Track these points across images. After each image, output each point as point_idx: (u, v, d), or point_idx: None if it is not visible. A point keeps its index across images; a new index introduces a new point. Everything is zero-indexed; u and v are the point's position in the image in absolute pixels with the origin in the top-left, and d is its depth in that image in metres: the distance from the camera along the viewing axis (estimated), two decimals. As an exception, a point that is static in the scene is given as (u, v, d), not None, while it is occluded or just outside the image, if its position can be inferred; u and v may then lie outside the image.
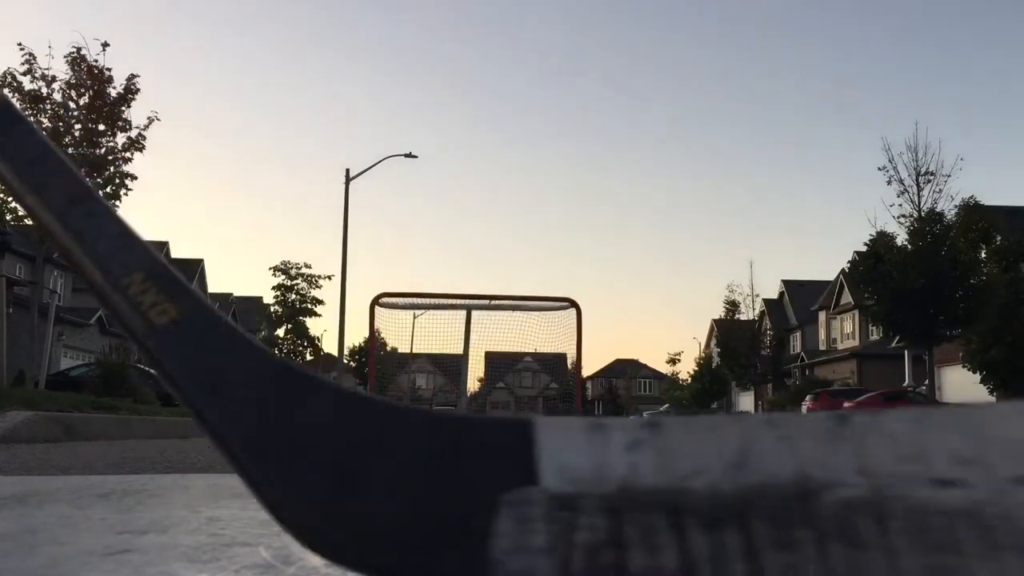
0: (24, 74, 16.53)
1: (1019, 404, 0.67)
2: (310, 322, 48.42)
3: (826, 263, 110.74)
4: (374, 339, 14.54)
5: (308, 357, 49.80)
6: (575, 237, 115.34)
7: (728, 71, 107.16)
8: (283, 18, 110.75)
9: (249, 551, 1.12)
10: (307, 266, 47.66)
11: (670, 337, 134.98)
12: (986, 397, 28.86)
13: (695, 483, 0.65)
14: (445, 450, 0.70)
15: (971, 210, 26.01)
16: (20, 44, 16.53)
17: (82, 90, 17.00)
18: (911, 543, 0.62)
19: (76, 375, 22.24)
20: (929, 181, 23.50)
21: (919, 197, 23.53)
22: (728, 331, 43.22)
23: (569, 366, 19.88)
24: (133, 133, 17.37)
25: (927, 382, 25.09)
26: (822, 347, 49.07)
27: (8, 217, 16.79)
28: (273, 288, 47.87)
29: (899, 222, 23.77)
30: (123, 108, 17.36)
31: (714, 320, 52.94)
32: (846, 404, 28.38)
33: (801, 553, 0.63)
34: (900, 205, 23.72)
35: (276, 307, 48.24)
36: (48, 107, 16.75)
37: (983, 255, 25.91)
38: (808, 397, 32.68)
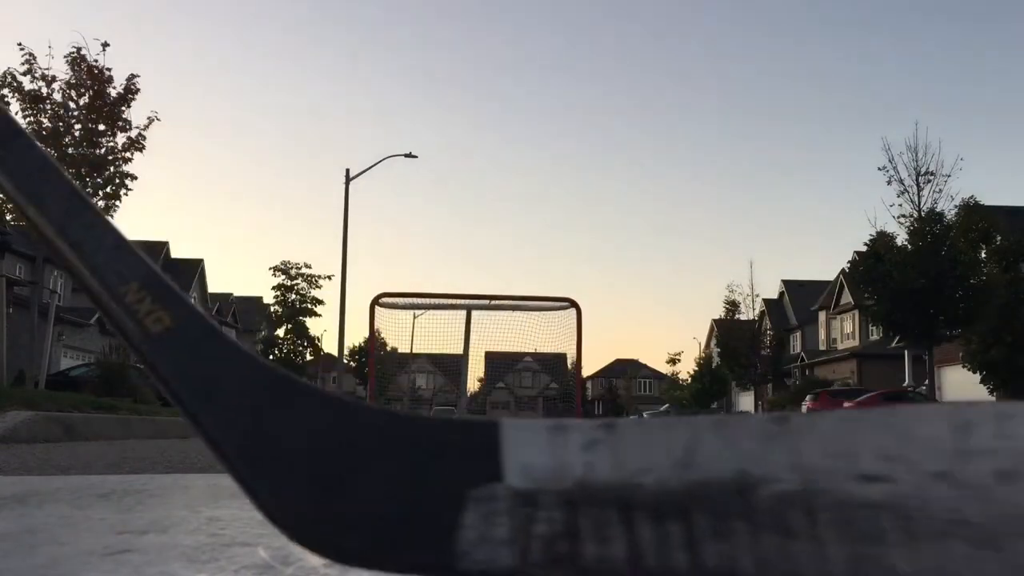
0: (24, 74, 16.54)
1: (940, 405, 0.73)
2: (310, 322, 48.40)
3: (826, 263, 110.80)
4: (374, 339, 14.54)
5: (308, 357, 49.78)
6: (575, 237, 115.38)
7: (728, 71, 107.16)
8: (283, 18, 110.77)
9: (248, 551, 1.12)
10: (307, 266, 47.63)
11: (670, 337, 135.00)
12: (986, 397, 28.87)
13: (645, 480, 0.71)
14: (420, 451, 0.76)
15: (971, 210, 26.00)
16: (20, 44, 16.55)
17: (82, 90, 17.00)
18: (837, 533, 0.68)
19: (76, 375, 22.25)
20: (929, 181, 23.51)
21: (919, 197, 23.54)
22: (728, 331, 43.23)
23: (569, 366, 19.88)
24: (133, 133, 17.38)
25: (927, 382, 25.10)
26: (822, 347, 49.07)
27: (8, 217, 16.78)
28: (273, 288, 47.85)
29: (899, 222, 23.79)
30: (123, 108, 17.35)
31: (714, 320, 52.94)
32: (846, 404, 28.37)
33: (737, 542, 0.68)
34: (900, 205, 23.74)
35: (276, 307, 48.23)
36: (48, 107, 16.74)
37: (983, 255, 25.90)
38: (808, 397, 32.66)
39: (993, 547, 0.67)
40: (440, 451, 0.76)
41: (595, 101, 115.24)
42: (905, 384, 34.34)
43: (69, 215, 0.89)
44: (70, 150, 16.73)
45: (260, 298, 59.28)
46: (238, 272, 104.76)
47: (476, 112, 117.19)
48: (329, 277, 46.62)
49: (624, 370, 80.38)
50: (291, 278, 47.51)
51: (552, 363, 43.65)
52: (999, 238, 27.09)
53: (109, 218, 0.96)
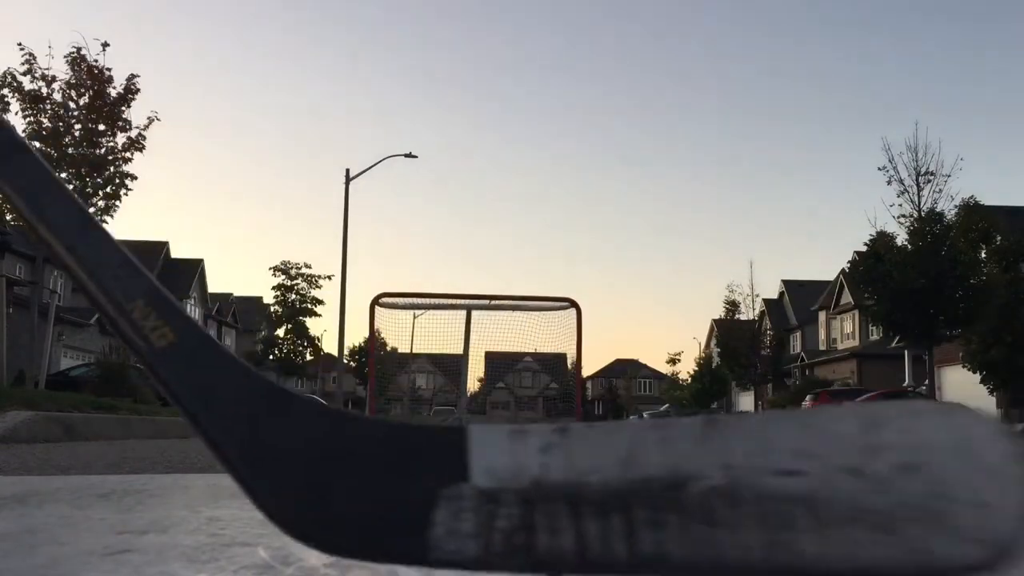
0: (24, 74, 16.54)
1: (849, 407, 0.81)
2: (310, 322, 48.47)
3: (826, 263, 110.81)
4: (374, 339, 14.54)
5: (308, 357, 49.79)
6: (575, 237, 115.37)
7: (728, 71, 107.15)
8: (283, 18, 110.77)
9: (248, 551, 1.12)
10: (307, 266, 47.71)
11: (670, 337, 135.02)
12: (986, 397, 28.88)
13: (592, 478, 0.81)
14: (397, 454, 0.86)
15: (971, 210, 25.99)
16: (20, 44, 16.55)
17: (82, 90, 17.00)
18: (756, 522, 0.78)
19: (76, 375, 22.25)
20: (929, 181, 23.49)
21: (919, 197, 23.53)
22: (728, 331, 43.22)
23: (569, 366, 19.87)
24: (133, 133, 17.39)
25: (927, 382, 25.10)
26: (822, 347, 49.07)
27: (8, 217, 16.78)
28: (273, 288, 47.91)
29: (899, 222, 23.77)
30: (123, 108, 17.36)
31: (714, 320, 52.93)
32: (846, 404, 28.36)
33: (669, 532, 0.78)
34: (900, 205, 23.72)
35: (276, 307, 48.25)
36: (48, 107, 16.74)
37: (983, 255, 25.90)
38: (808, 397, 32.65)
39: (891, 532, 0.76)
40: (415, 455, 0.85)
41: (595, 101, 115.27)
42: (905, 384, 34.33)
43: (76, 233, 0.96)
44: (70, 150, 16.72)
45: (260, 298, 59.30)
46: (238, 272, 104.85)
47: (476, 112, 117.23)
48: (329, 277, 46.68)
49: (624, 370, 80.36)
50: (291, 278, 47.55)
51: (552, 363, 43.60)
52: (999, 238, 27.09)
53: (113, 235, 1.01)
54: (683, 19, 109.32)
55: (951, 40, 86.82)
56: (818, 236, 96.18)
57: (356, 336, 63.10)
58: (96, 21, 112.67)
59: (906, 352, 34.12)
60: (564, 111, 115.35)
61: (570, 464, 0.82)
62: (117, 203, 17.12)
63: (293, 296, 47.56)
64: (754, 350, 41.62)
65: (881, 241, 23.58)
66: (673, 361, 66.79)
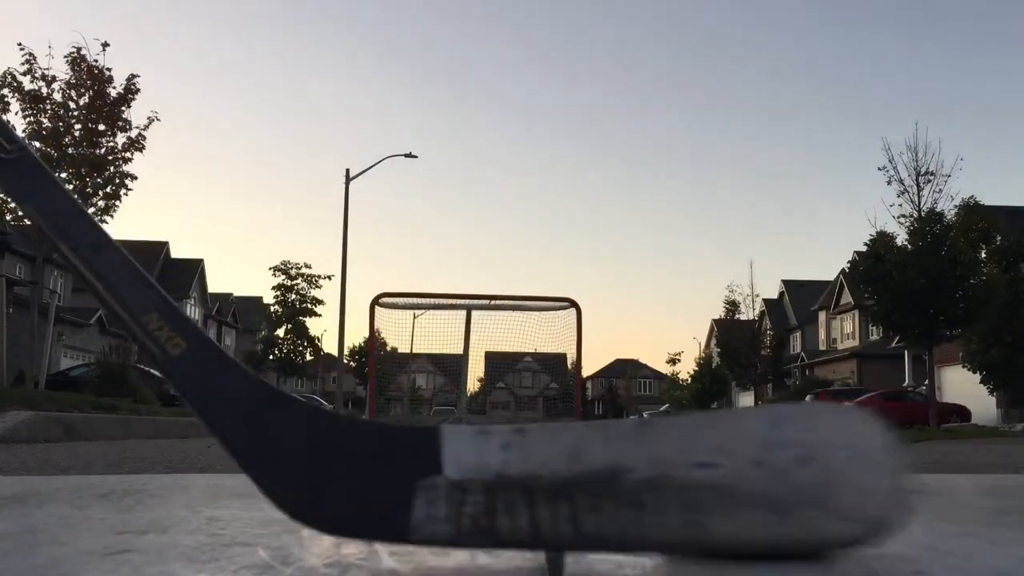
0: (24, 74, 16.52)
1: (759, 407, 0.97)
2: (310, 322, 48.36)
3: (826, 263, 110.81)
4: (374, 339, 14.53)
5: (308, 357, 49.76)
6: (575, 237, 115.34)
7: (728, 71, 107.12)
8: (283, 18, 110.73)
9: (248, 551, 1.12)
10: (307, 266, 47.60)
11: (670, 337, 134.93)
12: (986, 397, 28.86)
13: (543, 471, 0.95)
14: (381, 450, 1.00)
15: (971, 210, 25.96)
16: (20, 44, 16.53)
17: (82, 90, 16.99)
18: (677, 507, 0.93)
19: (76, 375, 22.27)
20: (929, 181, 23.41)
21: (919, 197, 23.45)
22: (728, 331, 43.18)
23: (569, 366, 19.86)
24: (133, 133, 17.35)
25: (927, 382, 25.06)
26: (822, 347, 49.05)
27: (8, 217, 16.77)
28: (273, 288, 47.82)
29: (899, 222, 23.69)
30: (123, 108, 17.33)
31: (714, 320, 52.90)
32: (846, 404, 28.33)
33: (606, 515, 0.94)
34: (900, 205, 23.63)
35: (276, 307, 48.19)
36: (48, 107, 16.73)
37: (983, 255, 25.87)
38: (808, 397, 32.63)
39: (788, 515, 0.93)
40: (396, 451, 1.00)
41: (595, 101, 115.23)
42: (905, 384, 34.33)
43: (94, 250, 1.09)
44: (70, 150, 16.71)
45: (260, 298, 59.25)
46: (238, 272, 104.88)
47: (476, 112, 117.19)
48: (329, 277, 46.61)
49: (624, 370, 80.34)
50: (291, 278, 47.48)
51: (552, 363, 43.60)
52: (999, 238, 27.06)
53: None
54: (683, 19, 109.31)
55: (951, 40, 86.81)
56: (818, 236, 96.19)
57: (356, 336, 63.15)
58: (96, 21, 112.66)
59: (906, 352, 34.11)
60: (564, 111, 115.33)
61: (526, 459, 0.97)
62: (117, 203, 17.10)
63: (293, 296, 47.50)
64: (754, 350, 41.58)
65: (881, 241, 23.54)
66: (673, 361, 66.74)
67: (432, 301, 13.35)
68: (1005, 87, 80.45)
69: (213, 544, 1.17)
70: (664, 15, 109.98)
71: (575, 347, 12.79)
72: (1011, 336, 25.63)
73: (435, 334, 14.15)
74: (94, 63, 17.06)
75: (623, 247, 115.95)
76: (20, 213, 16.50)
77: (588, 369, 71.40)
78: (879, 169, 23.72)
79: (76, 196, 1.36)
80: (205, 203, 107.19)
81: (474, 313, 12.55)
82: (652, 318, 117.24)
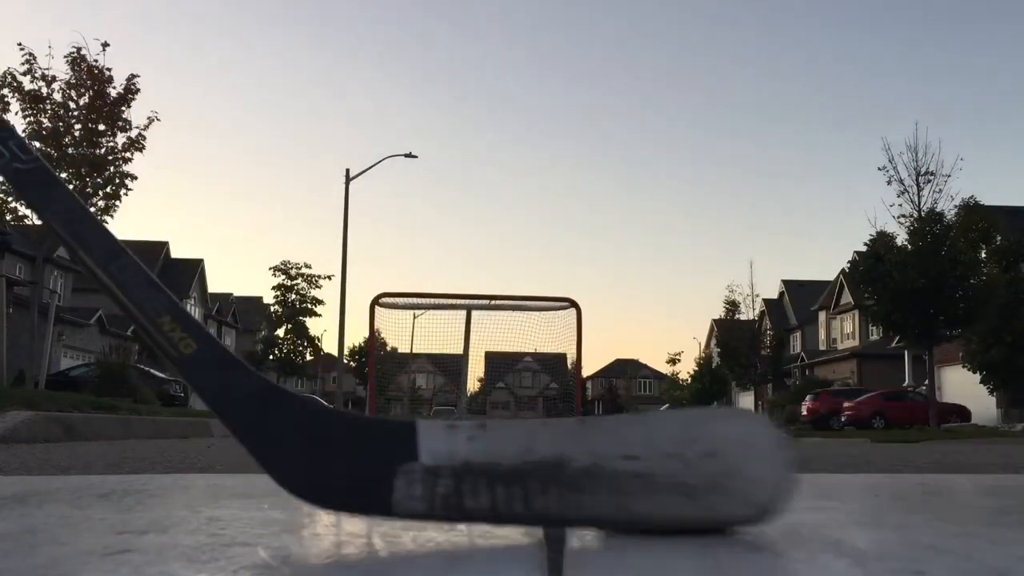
0: (24, 74, 16.52)
1: (676, 411, 1.20)
2: (310, 322, 48.43)
3: (826, 263, 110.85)
4: (374, 339, 14.54)
5: (308, 357, 49.76)
6: (575, 237, 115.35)
7: (728, 71, 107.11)
8: (283, 18, 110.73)
9: (248, 551, 1.12)
10: (307, 266, 47.66)
11: (670, 337, 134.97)
12: (986, 397, 28.86)
13: (502, 460, 1.14)
14: (368, 438, 1.18)
15: (971, 210, 25.95)
16: (20, 44, 16.53)
17: (82, 90, 16.98)
18: (608, 491, 1.14)
19: (76, 375, 22.27)
20: (929, 181, 23.39)
21: (919, 197, 23.44)
22: (728, 331, 43.18)
23: (569, 366, 19.86)
24: (133, 133, 17.36)
25: (927, 382, 25.06)
26: (822, 347, 49.05)
27: (8, 217, 16.77)
28: (273, 288, 47.87)
29: (899, 222, 23.67)
30: (123, 108, 17.33)
31: (714, 320, 52.89)
32: (846, 404, 28.35)
33: (552, 497, 1.13)
34: (900, 205, 23.62)
35: (276, 307, 48.22)
36: (48, 107, 16.73)
37: (983, 255, 25.87)
38: (808, 397, 32.61)
39: (696, 498, 1.14)
40: (380, 440, 1.17)
41: (595, 101, 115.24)
42: (905, 384, 34.32)
43: (109, 257, 1.20)
44: (70, 150, 16.71)
45: (260, 298, 59.26)
46: (238, 272, 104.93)
47: (476, 112, 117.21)
48: (329, 277, 46.64)
49: (624, 370, 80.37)
50: (291, 278, 47.51)
51: (552, 363, 43.61)
52: (999, 238, 27.06)
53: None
54: (684, 19, 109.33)
55: (951, 40, 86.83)
56: (818, 236, 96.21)
57: (356, 336, 63.15)
58: (96, 21, 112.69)
59: (906, 352, 34.10)
60: (564, 111, 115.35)
61: (487, 450, 1.15)
62: (117, 203, 17.10)
63: (293, 296, 47.53)
64: (754, 350, 41.58)
65: (881, 241, 23.53)
66: (673, 361, 66.78)
67: (432, 301, 13.35)
68: (1005, 87, 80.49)
69: (213, 544, 1.17)
70: (664, 15, 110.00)
71: (575, 347, 12.79)
72: (1011, 336, 25.63)
73: (435, 334, 14.16)
74: (94, 63, 17.07)
75: (623, 247, 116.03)
76: (20, 213, 16.53)
77: (588, 369, 71.45)
78: (879, 169, 23.73)
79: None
80: (205, 203, 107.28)
81: (474, 313, 12.55)
82: (652, 318, 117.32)
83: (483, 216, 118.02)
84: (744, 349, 41.45)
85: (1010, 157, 76.73)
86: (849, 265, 26.87)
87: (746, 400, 50.33)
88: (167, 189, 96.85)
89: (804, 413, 31.00)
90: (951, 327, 23.35)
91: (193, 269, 51.44)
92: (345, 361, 33.47)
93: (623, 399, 72.67)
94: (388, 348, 31.76)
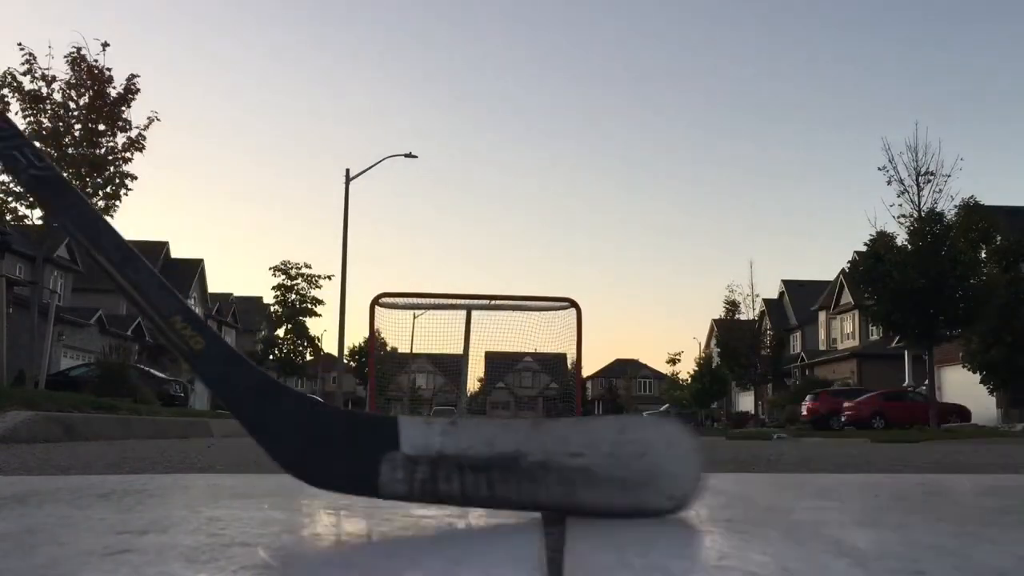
0: (24, 74, 16.51)
1: (611, 416, 1.42)
2: (310, 322, 48.34)
3: (826, 263, 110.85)
4: (374, 339, 14.54)
5: (308, 357, 49.73)
6: (575, 237, 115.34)
7: (728, 71, 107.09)
8: (283, 18, 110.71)
9: (248, 551, 1.12)
10: (307, 266, 47.57)
11: (670, 337, 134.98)
12: (986, 397, 28.85)
13: (469, 451, 1.34)
14: (357, 431, 1.37)
15: (971, 210, 25.95)
16: (20, 44, 16.52)
17: (82, 90, 16.98)
18: (557, 481, 1.34)
19: (76, 375, 22.25)
20: (929, 181, 23.37)
21: (919, 197, 23.43)
22: (728, 331, 43.17)
23: (569, 366, 19.86)
24: (133, 133, 17.34)
25: (927, 382, 25.05)
26: (822, 347, 49.06)
27: (8, 217, 16.76)
28: (273, 288, 47.80)
29: (899, 222, 23.65)
30: (123, 108, 17.32)
31: (714, 320, 52.88)
32: (846, 404, 28.35)
33: (511, 484, 1.34)
34: (900, 205, 23.61)
35: (276, 307, 48.16)
36: (48, 107, 16.72)
37: (983, 255, 25.86)
38: (808, 397, 32.61)
39: (628, 490, 1.35)
40: (368, 431, 1.36)
41: (595, 101, 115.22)
42: (905, 384, 34.33)
43: (123, 261, 1.30)
44: (70, 150, 16.70)
45: (260, 298, 59.24)
46: (238, 272, 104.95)
47: (476, 112, 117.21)
48: (329, 277, 46.59)
49: (624, 370, 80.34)
50: (291, 278, 47.45)
51: (552, 363, 43.61)
52: (999, 238, 27.06)
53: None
54: (684, 19, 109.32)
55: (951, 40, 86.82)
56: (818, 236, 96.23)
57: (356, 336, 63.17)
58: (96, 21, 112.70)
59: (906, 352, 34.10)
60: (563, 111, 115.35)
61: (457, 443, 1.35)
62: (117, 203, 17.09)
63: (293, 296, 47.47)
64: (754, 350, 41.57)
65: (881, 241, 23.53)
66: (673, 361, 66.70)
67: (432, 301, 13.35)
68: (1005, 87, 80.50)
69: (213, 544, 1.17)
70: (665, 15, 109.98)
71: (575, 347, 12.79)
72: (1011, 336, 25.62)
73: (435, 334, 14.16)
74: (94, 63, 17.06)
75: (623, 247, 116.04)
76: (20, 214, 16.53)
77: (588, 369, 71.43)
78: (879, 169, 23.73)
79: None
80: (205, 203, 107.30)
81: (474, 313, 12.54)
82: (652, 318, 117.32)
83: (483, 216, 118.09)
84: (744, 349, 41.45)
85: (1010, 157, 76.77)
86: (849, 265, 26.87)
87: (746, 400, 50.33)
88: (167, 189, 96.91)
89: (804, 413, 31.01)
90: (951, 327, 23.34)
91: (193, 269, 51.43)
92: (345, 361, 33.46)
93: (623, 399, 72.65)
94: (388, 348, 31.74)
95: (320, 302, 47.69)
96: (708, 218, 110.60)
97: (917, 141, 23.83)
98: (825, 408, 29.72)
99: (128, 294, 1.29)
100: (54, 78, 16.75)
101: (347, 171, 28.80)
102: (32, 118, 16.45)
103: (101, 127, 17.06)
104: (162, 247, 49.04)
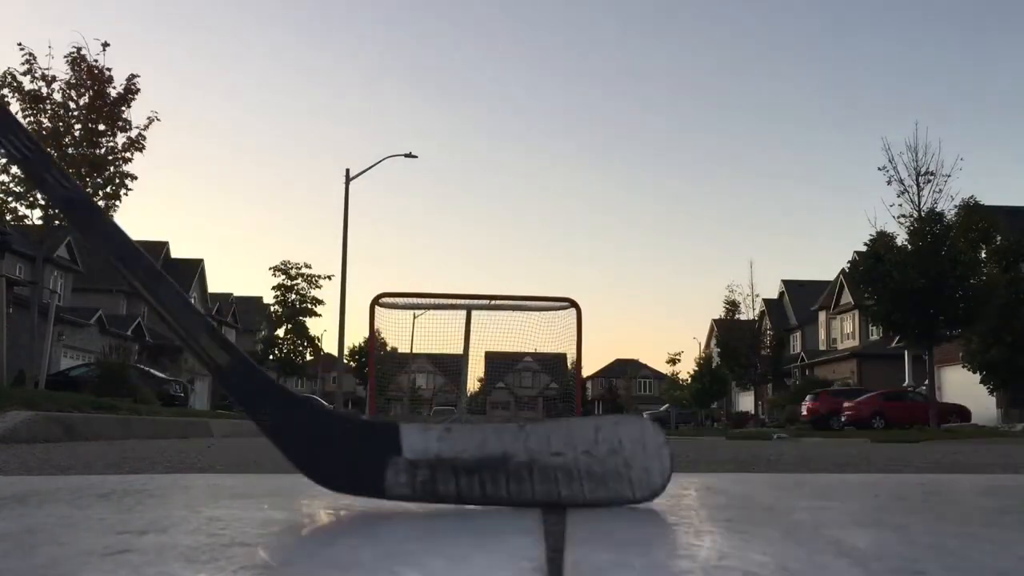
0: (24, 74, 16.52)
1: (584, 419, 1.51)
2: (310, 322, 48.39)
3: (826, 263, 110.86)
4: (374, 339, 14.54)
5: (308, 357, 49.73)
6: (575, 237, 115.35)
7: (728, 71, 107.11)
8: (283, 18, 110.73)
9: (248, 551, 1.12)
10: (307, 266, 47.63)
11: (670, 337, 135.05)
12: (986, 397, 28.86)
13: (463, 455, 1.46)
14: (364, 436, 1.49)
15: (971, 210, 25.96)
16: (20, 44, 16.53)
17: (82, 90, 16.98)
18: (541, 479, 1.46)
19: (76, 375, 22.25)
20: (929, 181, 23.38)
21: (919, 197, 23.44)
22: (728, 331, 43.17)
23: (569, 366, 19.86)
24: (133, 133, 17.36)
25: (927, 382, 25.06)
26: (822, 347, 49.07)
27: (8, 217, 16.77)
28: (273, 288, 47.84)
29: (899, 222, 23.66)
30: (123, 108, 17.33)
31: (714, 320, 52.89)
32: (846, 404, 28.35)
33: (500, 484, 1.46)
34: (900, 205, 23.62)
35: (276, 307, 48.19)
36: (48, 107, 16.72)
37: (983, 255, 25.87)
38: (808, 397, 32.61)
39: (604, 484, 1.48)
40: (373, 437, 1.49)
41: (595, 101, 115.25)
42: (905, 384, 34.34)
43: (153, 280, 1.41)
44: (70, 150, 16.70)
45: (260, 298, 59.28)
46: (238, 272, 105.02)
47: (476, 112, 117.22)
48: (329, 277, 46.62)
49: (624, 370, 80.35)
50: (291, 278, 47.48)
51: (552, 363, 43.61)
52: (999, 238, 27.07)
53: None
54: (683, 19, 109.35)
55: (951, 40, 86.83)
56: (818, 236, 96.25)
57: (356, 336, 63.17)
58: (96, 21, 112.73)
59: (906, 352, 34.11)
60: (563, 111, 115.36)
61: (452, 447, 1.46)
62: (117, 203, 17.10)
63: (293, 296, 47.50)
64: (754, 350, 41.58)
65: (881, 241, 23.53)
66: (673, 361, 66.65)
67: (432, 301, 13.35)
68: (1005, 87, 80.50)
69: (213, 544, 1.17)
70: (665, 15, 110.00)
71: (575, 347, 12.79)
72: (1011, 336, 25.63)
73: (435, 334, 14.16)
74: (94, 63, 17.07)
75: (623, 247, 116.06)
76: (20, 214, 16.53)
77: (588, 369, 71.45)
78: (879, 169, 23.74)
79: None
80: (205, 203, 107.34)
81: (474, 313, 12.54)
82: (652, 318, 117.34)
83: (483, 216, 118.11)
84: (744, 349, 41.45)
85: (1010, 157, 76.81)
86: (849, 265, 26.88)
87: (746, 400, 50.33)
88: (167, 189, 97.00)
89: (804, 413, 31.02)
90: (951, 327, 23.35)
91: (193, 269, 51.45)
92: (345, 361, 33.47)
93: (623, 399, 72.65)
94: (388, 348, 31.75)
95: (320, 302, 47.74)
96: (708, 218, 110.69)
97: (917, 141, 23.87)
98: (825, 408, 29.72)
99: (158, 313, 1.40)
100: (54, 78, 16.77)
101: (347, 171, 28.83)
102: (32, 118, 16.46)
103: (101, 127, 17.07)
104: (162, 247, 49.05)
